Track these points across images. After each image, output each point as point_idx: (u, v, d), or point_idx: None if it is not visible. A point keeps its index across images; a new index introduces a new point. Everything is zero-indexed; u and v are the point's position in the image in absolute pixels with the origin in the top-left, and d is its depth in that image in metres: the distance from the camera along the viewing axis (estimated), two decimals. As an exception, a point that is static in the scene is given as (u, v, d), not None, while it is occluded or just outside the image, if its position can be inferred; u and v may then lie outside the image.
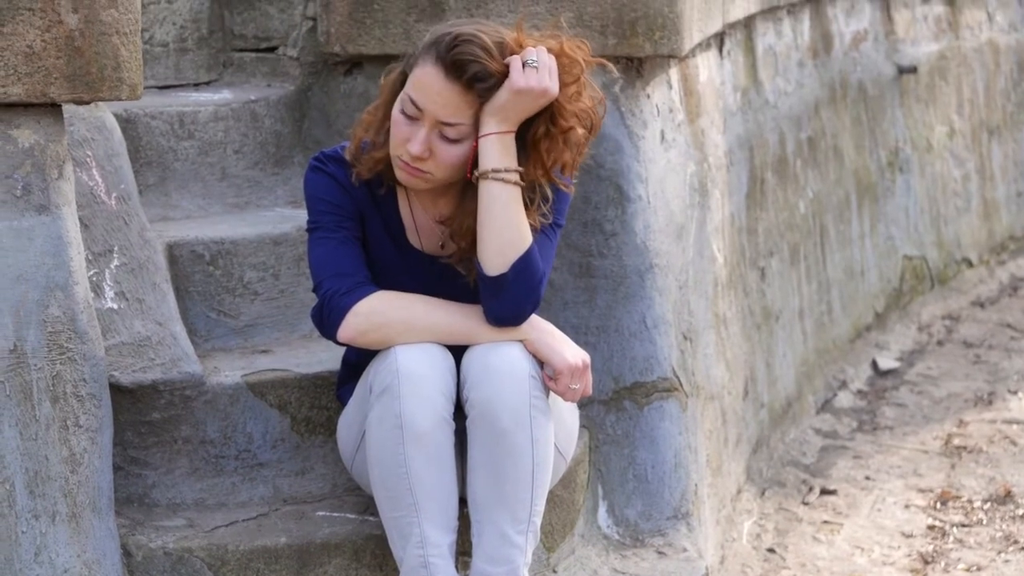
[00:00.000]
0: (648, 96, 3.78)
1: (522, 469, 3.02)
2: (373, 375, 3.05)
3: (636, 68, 3.74)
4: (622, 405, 3.70)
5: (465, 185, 3.09)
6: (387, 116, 3.07)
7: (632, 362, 3.70)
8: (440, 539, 3.02)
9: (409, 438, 2.98)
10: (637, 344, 3.70)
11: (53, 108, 2.98)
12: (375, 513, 3.25)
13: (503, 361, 3.02)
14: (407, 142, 3.01)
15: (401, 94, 3.04)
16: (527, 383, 3.02)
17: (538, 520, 3.07)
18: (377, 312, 3.05)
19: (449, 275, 3.17)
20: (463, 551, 3.12)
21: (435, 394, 3.00)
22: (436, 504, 3.02)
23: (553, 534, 3.45)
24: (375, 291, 3.07)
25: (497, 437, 3.01)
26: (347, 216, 3.13)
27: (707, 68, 4.27)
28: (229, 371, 3.40)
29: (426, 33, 3.10)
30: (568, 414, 3.25)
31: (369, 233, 3.17)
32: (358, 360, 3.23)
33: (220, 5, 4.25)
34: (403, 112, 3.02)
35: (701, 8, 3.93)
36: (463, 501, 3.10)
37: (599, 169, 3.69)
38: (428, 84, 2.99)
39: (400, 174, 3.06)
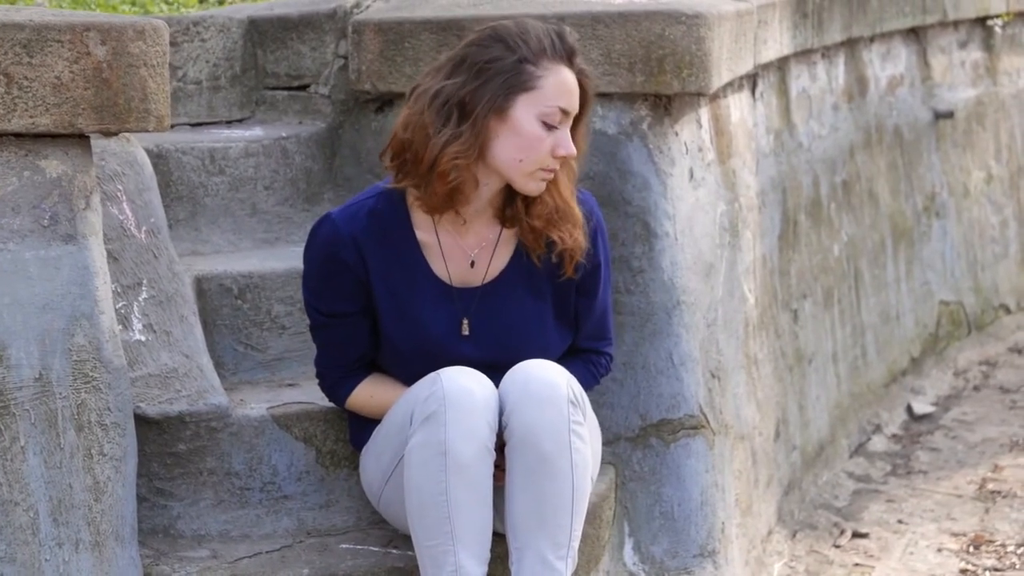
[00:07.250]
0: (676, 134, 3.78)
1: (563, 494, 3.03)
2: (416, 402, 3.07)
3: (664, 106, 3.75)
4: (648, 442, 3.69)
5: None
6: (483, 148, 3.11)
7: (659, 399, 3.69)
8: (475, 570, 3.01)
9: (452, 467, 2.99)
10: (664, 381, 3.69)
11: (81, 139, 3.01)
12: (399, 546, 3.25)
13: (543, 386, 3.05)
14: (555, 148, 3.11)
15: (533, 110, 3.08)
16: (567, 408, 3.04)
17: (576, 545, 3.08)
18: (364, 403, 3.31)
19: (472, 300, 3.22)
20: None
21: (481, 424, 3.02)
22: (473, 535, 3.02)
23: (579, 570, 3.44)
24: (357, 383, 3.29)
25: (539, 462, 3.02)
26: (337, 297, 3.22)
27: (739, 109, 4.27)
28: (255, 403, 3.41)
29: None
30: (595, 440, 3.26)
31: (379, 289, 3.21)
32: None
33: (253, 44, 4.28)
34: (545, 123, 3.10)
35: (731, 48, 3.94)
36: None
37: (626, 206, 3.69)
38: (570, 86, 3.12)
39: (536, 185, 3.14)
